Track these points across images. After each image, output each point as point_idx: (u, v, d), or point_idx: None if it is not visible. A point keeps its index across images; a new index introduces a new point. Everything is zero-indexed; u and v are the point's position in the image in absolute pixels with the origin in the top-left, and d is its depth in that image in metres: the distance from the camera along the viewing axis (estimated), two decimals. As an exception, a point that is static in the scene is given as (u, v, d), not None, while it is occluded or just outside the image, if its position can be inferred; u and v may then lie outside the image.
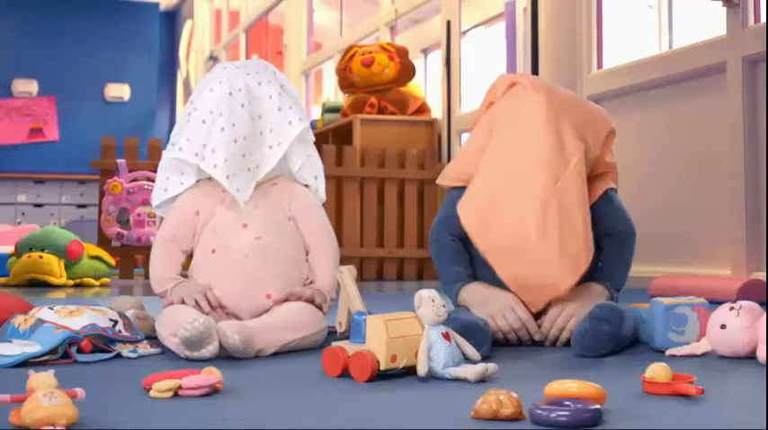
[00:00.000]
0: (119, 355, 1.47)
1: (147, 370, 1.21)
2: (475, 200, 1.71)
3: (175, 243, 1.73)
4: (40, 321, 1.46)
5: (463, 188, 1.76)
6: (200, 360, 1.43)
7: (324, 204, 1.85)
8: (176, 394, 1.12)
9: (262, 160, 1.73)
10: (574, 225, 1.62)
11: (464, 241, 1.77)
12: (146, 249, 2.02)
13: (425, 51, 6.72)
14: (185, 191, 1.76)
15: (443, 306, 1.29)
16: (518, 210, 1.63)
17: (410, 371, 1.27)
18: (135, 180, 4.26)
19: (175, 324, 1.48)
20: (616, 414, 1.01)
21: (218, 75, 1.78)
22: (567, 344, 1.62)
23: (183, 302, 1.61)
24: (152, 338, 1.65)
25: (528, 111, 1.70)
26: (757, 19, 3.16)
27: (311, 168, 1.81)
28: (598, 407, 0.97)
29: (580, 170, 1.66)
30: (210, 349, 1.44)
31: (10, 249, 3.96)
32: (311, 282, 1.73)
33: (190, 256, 1.76)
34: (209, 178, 1.76)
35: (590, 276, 1.73)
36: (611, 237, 1.77)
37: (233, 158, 1.69)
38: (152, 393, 1.12)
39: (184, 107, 1.80)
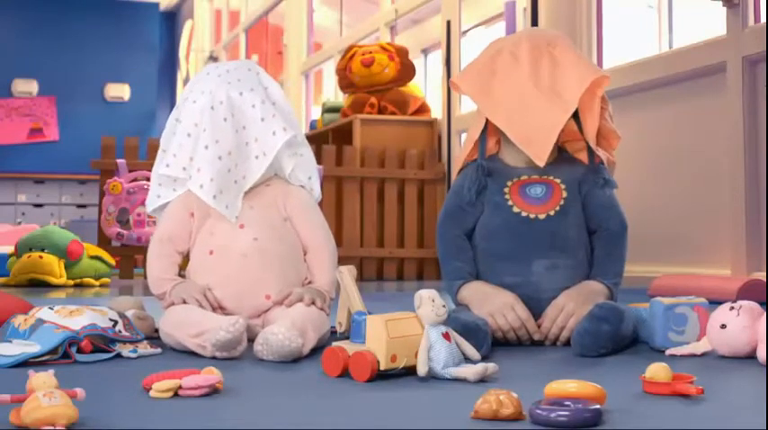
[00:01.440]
0: (119, 355, 1.47)
1: (147, 370, 1.21)
2: (472, 69, 1.82)
3: (171, 244, 1.73)
4: (40, 321, 1.46)
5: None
6: (229, 359, 1.45)
7: (324, 204, 1.85)
8: (176, 394, 1.12)
9: (248, 171, 1.73)
10: (563, 68, 1.74)
11: (469, 237, 1.78)
12: (146, 249, 2.03)
13: (425, 51, 6.72)
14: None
15: (443, 306, 1.29)
16: (514, 71, 1.74)
17: (410, 371, 1.27)
18: (135, 180, 4.26)
19: (198, 325, 1.49)
20: (616, 414, 1.01)
21: (200, 83, 1.77)
22: (567, 343, 1.63)
23: (183, 303, 1.61)
24: (152, 338, 1.65)
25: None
26: (757, 19, 3.16)
27: (304, 169, 1.80)
28: (598, 407, 0.97)
29: (569, 41, 1.82)
30: (240, 349, 1.47)
31: (10, 249, 3.96)
32: (310, 282, 1.73)
33: (186, 258, 1.76)
34: None
35: (588, 274, 1.74)
36: (605, 232, 1.77)
37: (219, 176, 1.69)
38: (152, 393, 1.12)
39: (172, 112, 1.81)
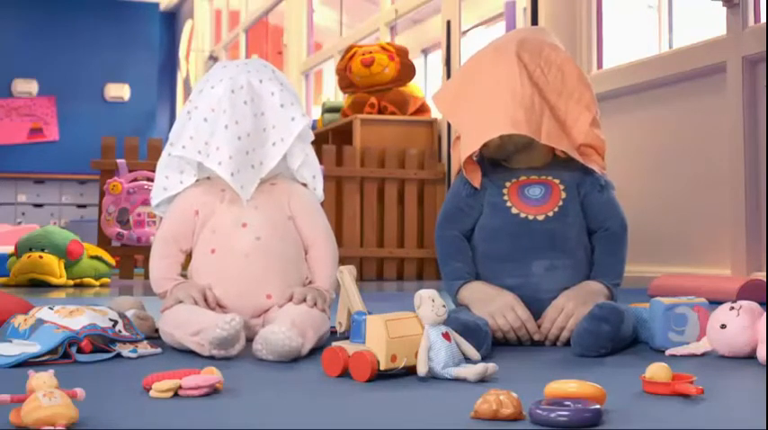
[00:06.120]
0: (119, 355, 1.47)
1: (147, 370, 1.21)
2: (448, 88, 1.84)
3: (175, 242, 1.73)
4: (40, 321, 1.46)
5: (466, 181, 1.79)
6: (226, 358, 1.45)
7: (324, 204, 1.85)
8: (176, 394, 1.12)
9: (265, 157, 1.73)
10: (499, 95, 1.72)
11: (468, 238, 1.78)
12: (146, 249, 2.01)
13: (425, 51, 6.71)
14: (184, 190, 1.76)
15: (443, 306, 1.29)
16: (482, 92, 1.75)
17: (410, 371, 1.27)
18: (135, 180, 4.26)
19: (197, 323, 1.49)
20: (616, 414, 1.01)
21: (218, 73, 1.78)
22: (567, 343, 1.63)
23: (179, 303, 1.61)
24: (152, 338, 1.65)
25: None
26: (757, 19, 3.16)
27: (310, 167, 1.81)
28: (598, 407, 0.97)
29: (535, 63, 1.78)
30: (237, 347, 1.47)
31: (10, 249, 3.96)
32: (310, 282, 1.73)
33: (189, 256, 1.76)
34: (208, 178, 1.76)
35: (588, 274, 1.74)
36: (605, 232, 1.77)
37: (237, 155, 1.69)
38: (152, 393, 1.12)
39: (184, 106, 1.81)
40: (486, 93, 1.73)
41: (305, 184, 1.82)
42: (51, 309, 1.51)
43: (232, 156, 1.68)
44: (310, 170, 1.81)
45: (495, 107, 1.70)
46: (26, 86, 9.24)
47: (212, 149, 1.70)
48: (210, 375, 1.15)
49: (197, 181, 1.77)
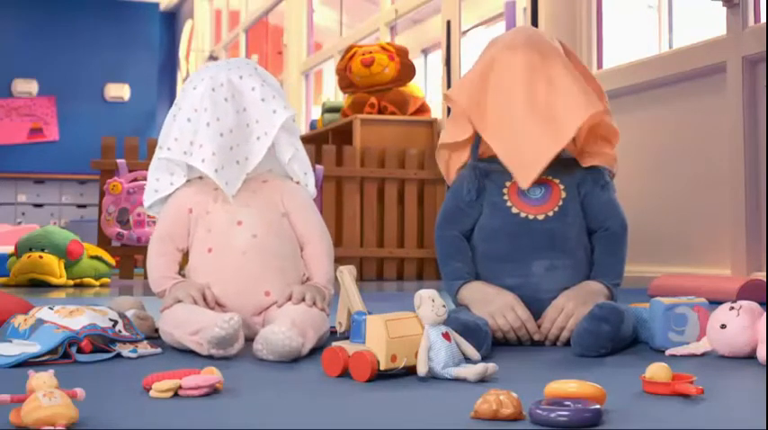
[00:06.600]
0: (119, 355, 1.47)
1: (147, 370, 1.21)
2: (465, 83, 1.80)
3: (172, 242, 1.73)
4: (40, 321, 1.46)
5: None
6: (225, 357, 1.45)
7: (324, 204, 1.85)
8: (176, 394, 1.12)
9: (250, 152, 1.73)
10: (563, 93, 1.70)
11: (468, 238, 1.78)
12: (146, 249, 2.01)
13: (425, 51, 6.71)
14: (177, 190, 1.77)
15: (443, 306, 1.29)
16: (508, 88, 1.72)
17: (410, 371, 1.27)
18: (135, 180, 4.26)
19: (196, 323, 1.49)
20: (616, 414, 1.01)
21: (200, 74, 1.79)
22: (567, 343, 1.63)
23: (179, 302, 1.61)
24: (152, 338, 1.65)
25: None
26: (757, 19, 3.16)
27: (300, 163, 1.81)
28: (598, 407, 0.97)
29: (563, 56, 1.77)
30: (236, 346, 1.46)
31: (10, 249, 3.96)
32: (308, 279, 1.73)
33: (186, 257, 1.76)
34: (200, 177, 1.76)
35: (588, 274, 1.74)
36: (605, 232, 1.77)
37: (221, 151, 1.69)
38: (152, 393, 1.12)
39: (170, 109, 1.81)
40: (548, 97, 1.71)
41: (297, 182, 1.82)
42: (51, 309, 1.51)
43: (215, 153, 1.69)
44: (302, 166, 1.81)
45: (567, 102, 1.70)
46: (26, 86, 9.24)
47: (196, 148, 1.71)
48: (210, 375, 1.15)
49: (189, 181, 1.77)
